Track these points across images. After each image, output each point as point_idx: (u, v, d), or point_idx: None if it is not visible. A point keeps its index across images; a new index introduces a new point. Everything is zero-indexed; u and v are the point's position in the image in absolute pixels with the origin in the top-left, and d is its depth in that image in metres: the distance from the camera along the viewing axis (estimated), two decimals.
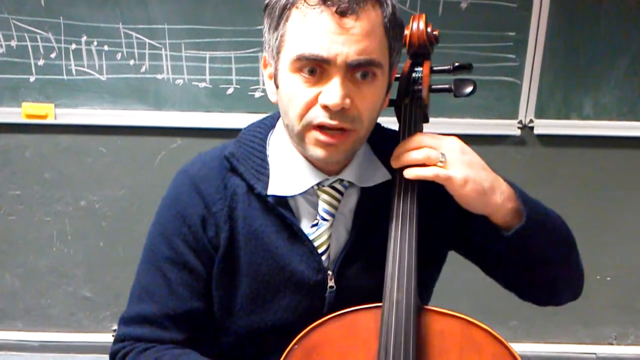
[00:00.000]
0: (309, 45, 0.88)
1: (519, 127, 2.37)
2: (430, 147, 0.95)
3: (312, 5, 0.88)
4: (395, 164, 0.97)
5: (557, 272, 1.05)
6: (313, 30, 0.88)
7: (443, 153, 0.93)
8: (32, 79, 2.29)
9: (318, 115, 0.91)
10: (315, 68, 0.89)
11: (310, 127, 0.93)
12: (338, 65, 0.88)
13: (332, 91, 0.88)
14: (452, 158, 0.94)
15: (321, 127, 0.92)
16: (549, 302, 1.11)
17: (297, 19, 0.89)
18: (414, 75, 1.05)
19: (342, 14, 0.87)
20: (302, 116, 0.92)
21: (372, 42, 0.89)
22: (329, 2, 0.87)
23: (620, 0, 2.24)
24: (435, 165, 0.93)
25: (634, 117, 2.36)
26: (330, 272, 1.03)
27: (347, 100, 0.89)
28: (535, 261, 1.01)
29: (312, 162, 1.01)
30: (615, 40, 2.28)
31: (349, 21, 0.87)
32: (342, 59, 0.88)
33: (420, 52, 1.06)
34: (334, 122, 0.90)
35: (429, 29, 1.04)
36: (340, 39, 0.87)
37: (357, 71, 0.90)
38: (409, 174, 0.94)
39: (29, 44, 2.26)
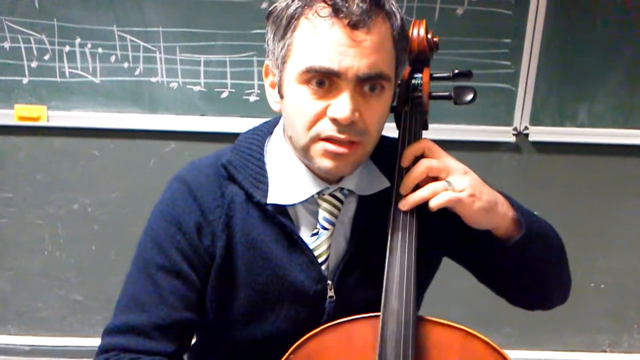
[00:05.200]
0: (319, 57, 0.86)
1: (513, 134, 2.37)
2: (435, 169, 0.94)
3: (323, 17, 0.86)
4: (404, 206, 0.95)
5: (550, 278, 1.06)
6: (324, 43, 0.86)
7: (449, 181, 0.93)
8: (25, 80, 2.27)
9: (326, 129, 0.90)
10: (324, 80, 0.88)
11: (318, 139, 0.91)
12: (348, 79, 0.87)
13: (342, 105, 0.87)
14: (457, 180, 0.93)
15: (329, 140, 0.91)
16: (540, 306, 1.11)
17: (307, 30, 0.88)
18: (413, 82, 1.04)
19: (354, 26, 0.85)
20: (309, 129, 0.91)
21: (381, 56, 0.88)
22: (341, 15, 0.85)
23: (616, 8, 2.25)
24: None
25: (629, 125, 2.37)
26: (329, 282, 1.01)
27: (357, 114, 0.89)
28: (531, 268, 1.01)
29: (313, 171, 0.99)
30: (611, 48, 2.28)
31: (360, 34, 0.86)
32: (352, 72, 0.86)
33: (420, 58, 1.05)
34: (342, 136, 0.89)
35: (429, 36, 1.04)
36: (351, 52, 0.86)
37: (366, 84, 0.89)
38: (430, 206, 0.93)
39: (22, 45, 2.24)
